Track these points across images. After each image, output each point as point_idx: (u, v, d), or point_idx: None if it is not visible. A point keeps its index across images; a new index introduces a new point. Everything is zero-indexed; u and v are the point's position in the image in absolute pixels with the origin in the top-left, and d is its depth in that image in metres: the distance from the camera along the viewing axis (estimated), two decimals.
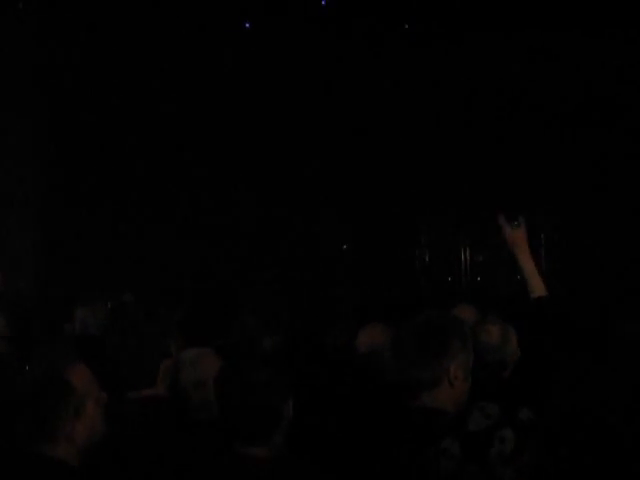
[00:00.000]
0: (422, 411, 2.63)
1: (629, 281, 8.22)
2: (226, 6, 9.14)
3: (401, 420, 2.68)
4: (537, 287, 3.62)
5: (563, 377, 2.98)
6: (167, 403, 2.90)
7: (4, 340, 4.59)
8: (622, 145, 8.55)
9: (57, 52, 8.89)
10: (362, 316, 4.63)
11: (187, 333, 3.76)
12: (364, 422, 2.91)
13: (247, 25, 9.76)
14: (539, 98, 8.83)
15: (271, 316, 4.51)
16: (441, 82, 9.21)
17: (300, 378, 3.52)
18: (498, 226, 4.09)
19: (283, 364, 3.43)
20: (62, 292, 7.12)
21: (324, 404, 3.30)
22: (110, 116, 9.04)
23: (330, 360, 3.73)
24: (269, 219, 9.25)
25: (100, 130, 9.08)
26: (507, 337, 3.77)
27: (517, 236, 3.70)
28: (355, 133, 9.39)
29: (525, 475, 2.01)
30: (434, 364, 2.74)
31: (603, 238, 8.88)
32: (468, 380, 2.80)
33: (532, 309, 3.61)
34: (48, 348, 4.07)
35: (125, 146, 9.14)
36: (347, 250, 9.55)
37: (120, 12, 8.76)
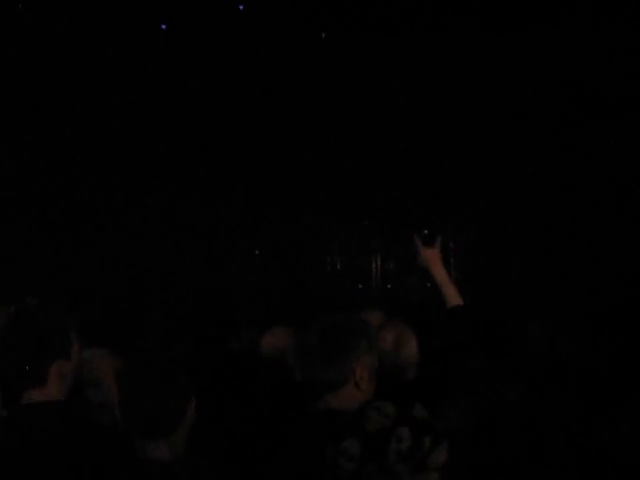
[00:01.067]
0: (326, 412, 2.61)
1: (537, 288, 8.41)
2: (143, 7, 9.02)
3: (304, 421, 2.66)
4: (454, 299, 3.74)
5: (466, 376, 3.03)
6: (64, 406, 2.81)
7: None
8: (531, 153, 8.74)
9: None
10: (271, 321, 4.59)
11: (90, 335, 3.67)
12: (266, 424, 2.89)
13: (163, 27, 9.66)
14: (446, 108, 8.97)
15: (178, 319, 4.46)
16: (352, 90, 9.27)
17: (206, 381, 3.47)
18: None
19: (188, 366, 3.37)
20: None
21: (228, 407, 3.26)
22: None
23: (235, 363, 3.69)
24: (179, 221, 9.13)
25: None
26: (402, 342, 3.77)
27: (432, 254, 3.82)
28: (266, 139, 9.36)
29: (422, 472, 2.03)
30: (340, 365, 2.74)
31: (513, 246, 9.06)
32: (373, 381, 2.80)
33: (447, 317, 3.70)
34: None
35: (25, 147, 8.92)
36: (259, 255, 9.53)
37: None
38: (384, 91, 9.07)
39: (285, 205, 9.39)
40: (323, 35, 9.89)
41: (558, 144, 8.60)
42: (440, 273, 3.78)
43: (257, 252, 9.46)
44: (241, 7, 9.64)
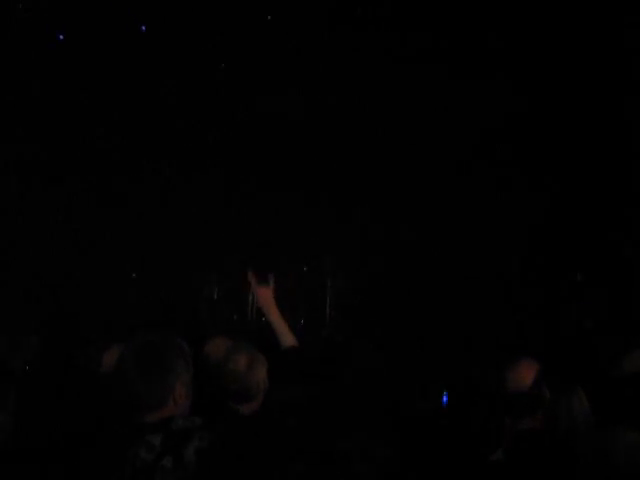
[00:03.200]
0: (142, 425, 2.74)
1: (409, 326, 8.70)
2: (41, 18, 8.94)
3: (119, 433, 2.78)
4: (288, 340, 3.97)
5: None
6: None
7: None
8: (403, 196, 9.04)
9: None
10: None
11: None
12: (94, 440, 2.99)
13: (61, 37, 9.55)
14: (304, 129, 9.15)
15: (23, 335, 4.50)
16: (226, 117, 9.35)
17: (46, 397, 3.56)
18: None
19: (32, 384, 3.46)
20: None
21: (60, 420, 3.35)
22: None
23: (76, 381, 3.77)
24: (58, 238, 8.98)
25: None
26: (253, 366, 3.95)
27: (265, 294, 4.03)
28: (145, 164, 9.36)
29: None
30: (159, 383, 2.87)
31: (387, 284, 9.30)
32: (190, 397, 2.96)
33: (283, 359, 3.92)
34: None
35: None
36: (135, 279, 9.54)
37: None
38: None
39: (164, 233, 9.42)
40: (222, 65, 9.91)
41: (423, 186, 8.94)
42: (272, 313, 4.01)
43: (134, 275, 9.49)
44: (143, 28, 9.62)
